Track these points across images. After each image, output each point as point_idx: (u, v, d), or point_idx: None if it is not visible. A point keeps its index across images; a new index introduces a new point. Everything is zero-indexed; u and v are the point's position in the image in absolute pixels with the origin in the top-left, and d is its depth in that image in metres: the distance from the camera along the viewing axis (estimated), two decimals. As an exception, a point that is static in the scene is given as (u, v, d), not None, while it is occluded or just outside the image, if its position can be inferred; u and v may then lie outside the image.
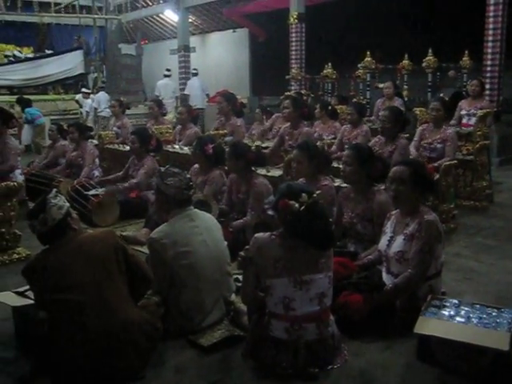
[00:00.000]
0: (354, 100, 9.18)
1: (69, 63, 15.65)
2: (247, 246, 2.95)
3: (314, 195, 2.86)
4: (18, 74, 15.15)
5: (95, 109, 13.45)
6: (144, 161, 6.38)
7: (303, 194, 2.81)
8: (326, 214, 2.95)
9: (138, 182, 6.29)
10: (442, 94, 7.30)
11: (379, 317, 3.17)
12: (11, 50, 17.65)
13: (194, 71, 14.99)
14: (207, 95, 14.40)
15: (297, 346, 2.81)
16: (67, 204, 2.94)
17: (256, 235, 2.93)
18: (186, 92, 14.51)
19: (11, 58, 17.14)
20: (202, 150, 5.29)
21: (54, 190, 2.99)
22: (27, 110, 12.56)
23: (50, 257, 2.89)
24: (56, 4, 16.50)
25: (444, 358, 2.85)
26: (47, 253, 2.93)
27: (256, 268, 2.87)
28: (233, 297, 3.57)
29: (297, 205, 2.78)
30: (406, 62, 9.95)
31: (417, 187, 3.36)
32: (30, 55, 16.93)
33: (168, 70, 14.94)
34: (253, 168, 5.03)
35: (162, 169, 3.56)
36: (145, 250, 4.82)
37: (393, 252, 3.38)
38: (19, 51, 17.53)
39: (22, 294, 3.60)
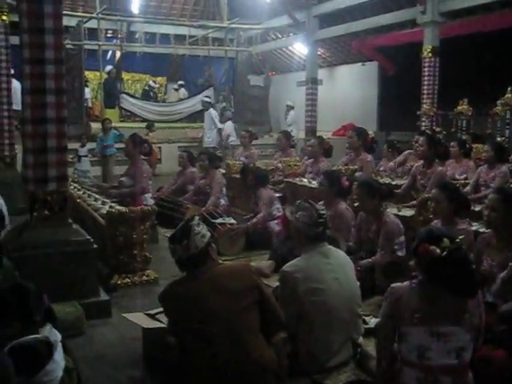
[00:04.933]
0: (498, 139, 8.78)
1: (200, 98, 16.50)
2: (385, 295, 2.87)
3: (457, 240, 2.75)
4: (152, 108, 16.38)
5: (228, 136, 13.88)
6: (258, 193, 6.62)
7: (445, 239, 2.70)
8: (470, 261, 2.82)
9: (264, 215, 6.47)
10: None
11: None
12: (147, 79, 18.97)
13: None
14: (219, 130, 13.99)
15: (430, 398, 2.69)
16: (209, 233, 3.05)
17: (393, 285, 2.85)
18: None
19: (146, 88, 18.39)
20: (333, 183, 5.33)
21: (197, 217, 3.10)
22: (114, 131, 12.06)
23: (186, 285, 2.98)
24: (191, 36, 17.44)
25: None
26: (184, 281, 3.03)
27: (393, 320, 2.80)
28: (360, 339, 3.51)
29: (438, 250, 2.67)
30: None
31: None
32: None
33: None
34: (383, 207, 4.99)
35: (298, 202, 3.61)
36: (269, 282, 4.92)
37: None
38: (154, 81, 18.77)
39: (153, 317, 3.77)
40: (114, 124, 13.71)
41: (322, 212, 3.51)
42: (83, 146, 11.70)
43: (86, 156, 11.76)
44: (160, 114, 16.34)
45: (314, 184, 6.81)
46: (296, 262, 3.40)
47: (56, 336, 2.18)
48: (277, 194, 7.53)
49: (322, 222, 3.47)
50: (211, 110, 13.88)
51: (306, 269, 3.33)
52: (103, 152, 11.55)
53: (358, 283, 3.62)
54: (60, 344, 2.17)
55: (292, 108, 15.86)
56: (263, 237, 6.40)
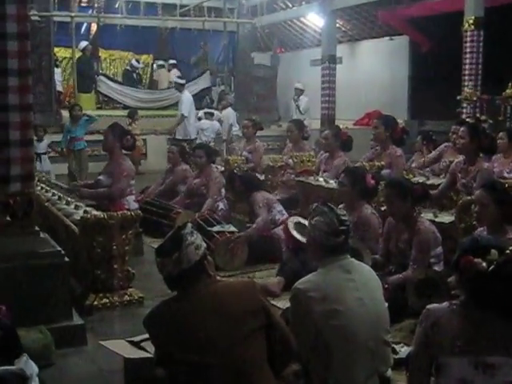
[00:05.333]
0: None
1: (193, 83, 16.38)
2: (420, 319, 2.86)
3: (507, 251, 2.73)
4: (135, 95, 16.42)
5: (231, 126, 13.83)
6: (251, 198, 6.67)
7: (492, 250, 2.69)
8: (523, 277, 2.81)
9: (264, 218, 6.51)
10: None
11: None
12: (129, 58, 18.93)
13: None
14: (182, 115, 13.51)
15: None
16: (204, 244, 3.03)
17: (429, 307, 2.84)
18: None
19: (128, 68, 18.40)
20: (356, 183, 5.33)
21: (190, 224, 3.08)
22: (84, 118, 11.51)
23: (177, 307, 2.97)
24: (182, 6, 17.40)
25: None
26: (175, 302, 3.01)
27: (430, 349, 2.79)
28: (389, 372, 3.50)
29: (484, 264, 2.66)
30: None
31: None
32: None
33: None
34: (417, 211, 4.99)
35: (314, 205, 3.59)
36: (277, 302, 4.93)
37: None
38: (137, 60, 18.63)
39: (136, 345, 3.77)
40: (90, 112, 13.74)
41: (344, 218, 3.49)
42: (40, 140, 11.19)
43: (45, 153, 11.43)
44: (144, 100, 16.34)
45: (332, 184, 6.80)
46: (311, 278, 3.39)
47: (32, 369, 2.18)
48: (287, 196, 7.54)
49: (343, 230, 3.45)
50: (185, 92, 13.54)
51: (323, 286, 3.31)
52: (70, 146, 11.21)
53: (386, 304, 3.62)
54: (37, 379, 2.17)
55: (302, 92, 15.78)
56: (269, 247, 6.42)
